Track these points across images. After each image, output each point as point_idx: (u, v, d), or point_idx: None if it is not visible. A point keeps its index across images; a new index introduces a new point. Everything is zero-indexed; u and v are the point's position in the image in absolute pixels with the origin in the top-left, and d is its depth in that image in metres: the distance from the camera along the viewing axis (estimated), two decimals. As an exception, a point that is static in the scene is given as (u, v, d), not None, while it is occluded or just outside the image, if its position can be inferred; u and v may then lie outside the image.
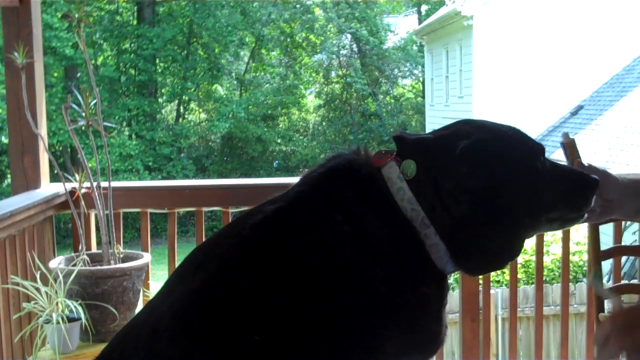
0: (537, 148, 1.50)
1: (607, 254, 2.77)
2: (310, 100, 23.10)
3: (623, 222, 2.99)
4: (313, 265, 1.34)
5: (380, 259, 1.36)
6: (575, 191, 1.53)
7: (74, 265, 2.92)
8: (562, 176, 1.53)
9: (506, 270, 7.26)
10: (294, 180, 1.51)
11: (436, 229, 1.40)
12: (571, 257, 5.93)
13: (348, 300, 1.32)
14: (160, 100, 20.29)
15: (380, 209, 1.40)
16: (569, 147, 1.65)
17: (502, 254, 1.47)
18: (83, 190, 3.12)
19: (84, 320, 2.84)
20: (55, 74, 18.04)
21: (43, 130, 3.29)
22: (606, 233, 3.18)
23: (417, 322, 1.39)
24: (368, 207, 1.40)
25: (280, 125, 21.75)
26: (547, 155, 1.52)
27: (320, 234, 1.36)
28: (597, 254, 2.68)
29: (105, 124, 3.08)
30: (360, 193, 1.41)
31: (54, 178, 3.34)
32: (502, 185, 1.42)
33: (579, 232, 7.33)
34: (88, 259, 3.05)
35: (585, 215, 1.58)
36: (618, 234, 3.32)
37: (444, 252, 1.41)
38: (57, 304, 2.82)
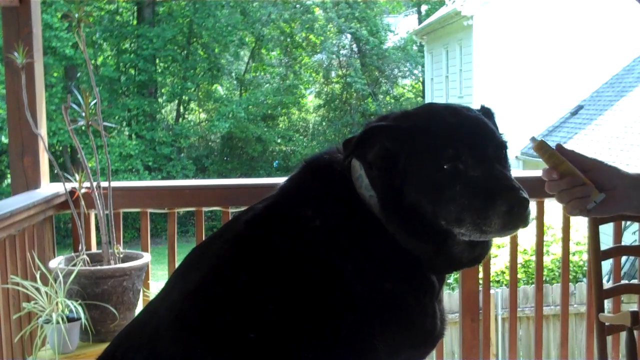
0: (464, 145, 1.34)
1: (607, 254, 2.77)
2: (310, 100, 23.10)
3: (623, 222, 2.98)
4: (297, 262, 1.36)
5: (348, 254, 1.37)
6: (479, 205, 1.32)
7: (74, 265, 2.91)
8: (474, 185, 1.33)
9: (506, 270, 7.27)
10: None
11: None
12: (571, 257, 5.93)
13: (329, 299, 1.34)
14: (160, 100, 20.29)
15: (342, 200, 1.42)
16: (540, 149, 1.51)
17: (436, 253, 1.39)
18: (83, 190, 3.12)
19: (83, 320, 2.84)
20: (55, 74, 18.03)
21: (43, 130, 3.29)
22: (606, 233, 3.18)
23: (400, 315, 1.38)
24: (333, 199, 1.42)
25: (280, 125, 21.75)
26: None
27: (298, 230, 1.39)
28: (597, 254, 2.68)
29: (105, 124, 3.08)
30: (327, 185, 1.44)
31: (54, 178, 3.34)
32: (398, 181, 1.36)
33: (579, 232, 7.33)
34: (88, 259, 3.05)
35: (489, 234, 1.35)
36: (618, 234, 3.32)
37: None
38: (57, 304, 2.82)
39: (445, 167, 1.33)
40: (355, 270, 1.35)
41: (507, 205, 1.30)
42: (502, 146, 1.40)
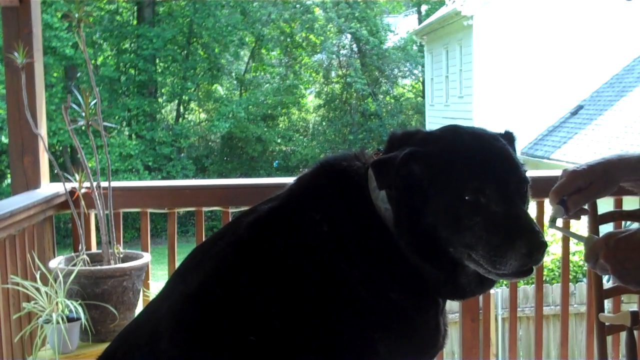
0: (489, 179, 1.32)
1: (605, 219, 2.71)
2: (310, 100, 23.11)
3: (623, 222, 2.98)
4: (300, 266, 1.35)
5: (356, 261, 1.36)
6: (497, 243, 1.30)
7: (74, 265, 2.91)
8: (495, 221, 1.30)
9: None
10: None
11: None
12: (571, 257, 5.93)
13: (333, 303, 1.34)
14: (160, 100, 20.30)
15: (356, 208, 1.40)
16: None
17: (443, 279, 1.38)
18: (83, 190, 3.12)
19: (83, 320, 2.84)
20: (55, 74, 18.04)
21: (43, 130, 3.29)
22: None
23: (402, 325, 1.38)
24: (345, 206, 1.40)
25: (280, 125, 21.76)
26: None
27: (303, 234, 1.38)
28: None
29: (105, 124, 3.08)
30: (340, 192, 1.42)
31: (54, 178, 3.34)
32: (417, 203, 1.34)
33: (579, 232, 7.33)
34: (88, 259, 3.05)
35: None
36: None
37: None
38: (57, 304, 2.82)
39: (466, 198, 1.31)
40: (361, 277, 1.34)
41: (527, 249, 1.29)
42: (524, 182, 1.38)
